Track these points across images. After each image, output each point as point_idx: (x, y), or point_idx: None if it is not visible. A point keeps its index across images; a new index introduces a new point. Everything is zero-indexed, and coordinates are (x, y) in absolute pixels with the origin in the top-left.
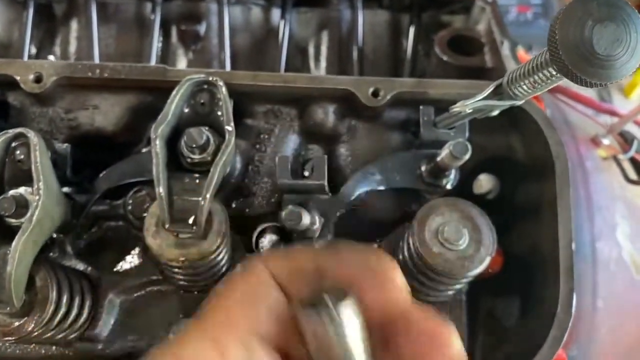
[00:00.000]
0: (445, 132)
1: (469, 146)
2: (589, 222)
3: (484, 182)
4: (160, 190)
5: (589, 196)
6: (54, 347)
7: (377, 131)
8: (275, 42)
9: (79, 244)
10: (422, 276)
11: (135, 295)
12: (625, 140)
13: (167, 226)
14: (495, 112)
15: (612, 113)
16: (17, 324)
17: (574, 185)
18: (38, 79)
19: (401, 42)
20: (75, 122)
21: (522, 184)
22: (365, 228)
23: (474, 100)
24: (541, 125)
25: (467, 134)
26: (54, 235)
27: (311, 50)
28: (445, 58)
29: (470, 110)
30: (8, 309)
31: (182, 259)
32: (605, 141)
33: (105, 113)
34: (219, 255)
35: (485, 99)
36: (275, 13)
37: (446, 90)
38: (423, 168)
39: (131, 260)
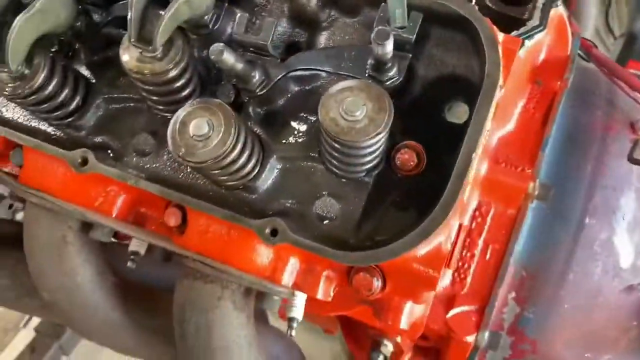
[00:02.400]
0: (395, 32)
1: (391, 33)
2: (585, 196)
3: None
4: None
5: (596, 172)
6: (43, 127)
7: (354, 28)
8: None
9: (91, 57)
10: (326, 145)
11: (117, 105)
12: None
13: (132, 40)
14: None
15: None
16: (11, 85)
17: (582, 155)
18: None
19: None
20: None
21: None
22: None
23: None
24: (485, 44)
25: (415, 33)
26: (72, 41)
27: None
28: (487, 2)
29: None
30: (6, 70)
31: (145, 71)
32: None
33: None
34: (174, 80)
35: None
36: None
37: None
38: (369, 62)
39: (123, 79)
